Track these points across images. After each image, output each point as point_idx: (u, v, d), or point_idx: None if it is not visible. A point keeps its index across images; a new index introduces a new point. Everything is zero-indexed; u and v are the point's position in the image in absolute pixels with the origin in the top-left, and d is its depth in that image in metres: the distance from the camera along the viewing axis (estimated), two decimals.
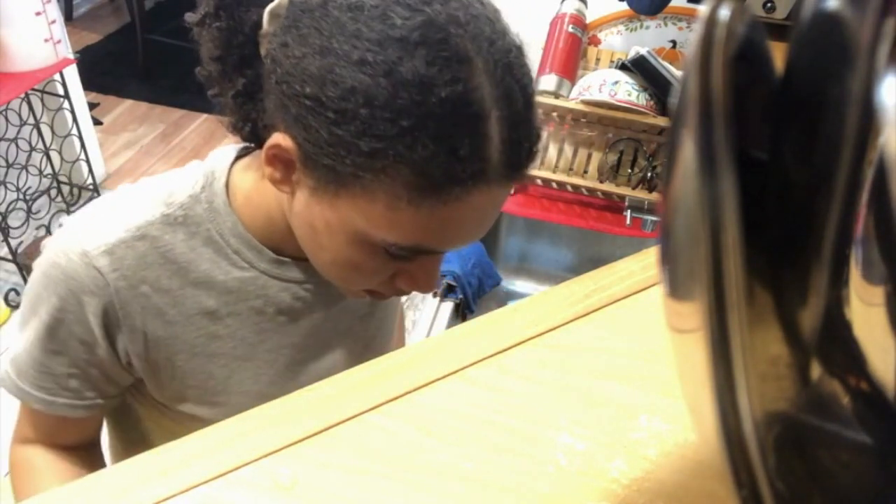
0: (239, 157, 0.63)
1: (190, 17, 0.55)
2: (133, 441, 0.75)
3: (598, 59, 1.52)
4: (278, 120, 0.51)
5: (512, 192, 1.43)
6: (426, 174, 0.46)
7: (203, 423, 0.65)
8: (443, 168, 0.46)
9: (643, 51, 1.25)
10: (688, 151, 0.22)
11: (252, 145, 0.61)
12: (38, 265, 0.60)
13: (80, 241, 0.57)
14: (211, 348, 0.63)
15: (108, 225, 0.59)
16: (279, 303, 0.64)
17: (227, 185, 0.61)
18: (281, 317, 0.65)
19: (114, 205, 0.61)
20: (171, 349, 0.62)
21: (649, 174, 1.33)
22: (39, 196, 2.27)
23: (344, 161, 0.47)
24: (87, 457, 0.72)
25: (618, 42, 1.59)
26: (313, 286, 0.65)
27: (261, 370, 0.66)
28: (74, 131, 2.23)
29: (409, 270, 0.56)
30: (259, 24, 0.52)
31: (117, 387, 0.66)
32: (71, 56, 2.04)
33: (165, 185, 0.62)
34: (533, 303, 0.57)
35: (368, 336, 0.75)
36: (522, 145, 0.49)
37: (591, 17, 1.48)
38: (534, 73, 1.39)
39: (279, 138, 0.51)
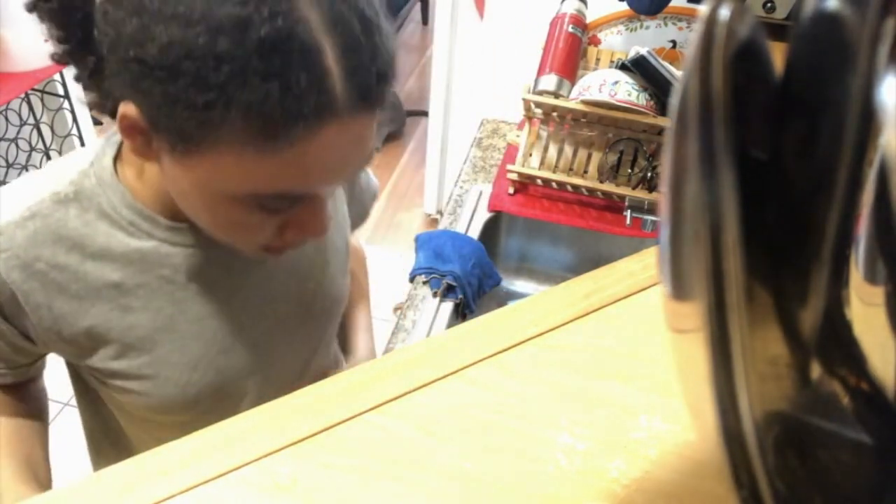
0: None
1: (24, 3, 0.55)
2: (103, 425, 0.76)
3: (598, 59, 1.52)
4: (122, 89, 0.49)
5: (512, 192, 1.43)
6: (264, 117, 0.45)
7: (141, 397, 0.65)
8: (280, 108, 0.45)
9: (643, 51, 1.25)
10: (688, 151, 0.22)
11: (102, 108, 0.60)
12: None
13: None
14: (127, 321, 0.63)
15: (3, 208, 0.59)
16: (188, 270, 0.63)
17: (116, 160, 0.61)
18: (194, 285, 0.64)
19: (13, 187, 0.62)
20: (84, 323, 0.62)
21: (649, 174, 1.33)
22: None
23: (184, 118, 0.46)
24: (23, 392, 0.73)
25: (618, 42, 1.59)
26: (221, 251, 0.63)
27: (186, 342, 0.65)
28: (74, 131, 2.23)
29: (294, 220, 0.55)
30: None
31: (28, 357, 0.66)
32: None
33: (60, 164, 0.62)
34: (533, 303, 0.57)
35: (307, 300, 0.73)
36: (369, 70, 0.47)
37: (591, 17, 1.48)
38: (534, 74, 1.39)
39: (124, 108, 0.49)
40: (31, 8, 0.54)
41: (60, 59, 0.57)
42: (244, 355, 0.69)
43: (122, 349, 0.63)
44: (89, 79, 0.56)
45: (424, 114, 2.99)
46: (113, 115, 0.56)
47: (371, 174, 0.87)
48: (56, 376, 0.81)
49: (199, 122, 0.46)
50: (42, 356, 0.69)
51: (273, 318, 0.70)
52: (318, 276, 0.74)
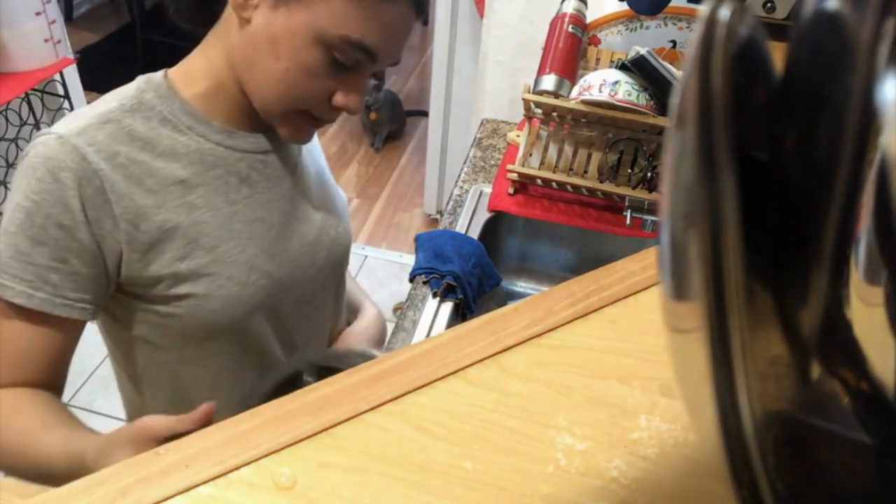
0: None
1: None
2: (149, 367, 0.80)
3: (598, 59, 1.52)
4: None
5: (512, 192, 1.44)
6: None
7: (202, 301, 0.71)
8: None
9: (643, 51, 1.25)
10: (688, 151, 0.22)
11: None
12: (17, 170, 0.66)
13: (55, 130, 0.65)
14: (192, 217, 0.70)
15: (75, 119, 0.67)
16: (238, 172, 0.73)
17: (165, 79, 0.71)
18: (244, 188, 0.73)
19: (78, 110, 0.69)
20: (159, 217, 0.68)
21: (649, 174, 1.33)
22: None
23: None
24: (49, 398, 0.70)
25: (618, 42, 1.59)
26: (264, 157, 0.74)
27: (242, 241, 0.73)
28: None
29: (344, 86, 0.68)
30: None
31: (97, 287, 0.68)
32: (71, 56, 2.04)
33: (116, 91, 0.71)
34: (533, 303, 0.57)
35: (325, 226, 0.83)
36: None
37: (591, 17, 1.48)
38: (533, 74, 1.39)
39: None
40: None
41: None
42: (286, 265, 0.78)
43: (189, 247, 0.70)
44: None
45: (424, 114, 2.99)
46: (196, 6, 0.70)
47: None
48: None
49: None
50: (101, 300, 0.70)
51: (301, 235, 0.80)
52: (330, 207, 0.85)
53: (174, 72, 0.72)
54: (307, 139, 0.75)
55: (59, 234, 0.64)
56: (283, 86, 0.67)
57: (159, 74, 0.71)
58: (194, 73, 0.71)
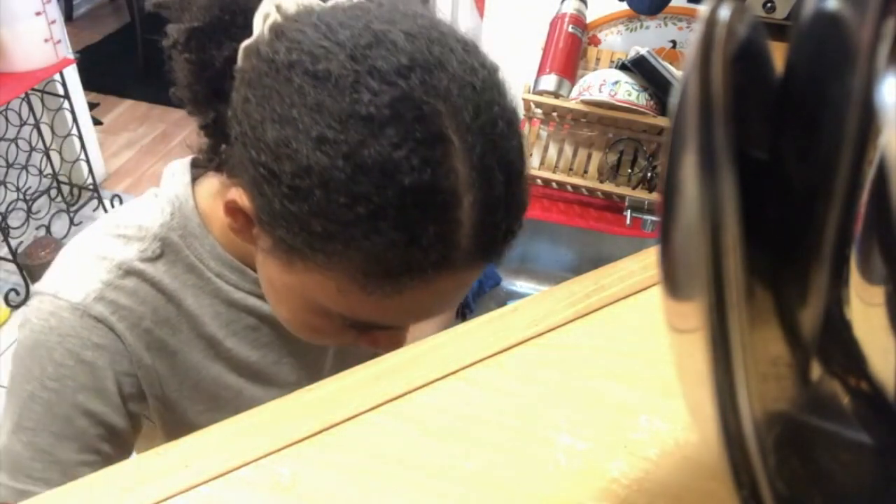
0: (196, 175, 0.61)
1: (164, 41, 0.53)
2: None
3: (598, 59, 1.52)
4: (240, 173, 0.47)
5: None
6: (382, 262, 0.43)
7: None
8: (401, 258, 0.43)
9: (643, 51, 1.25)
10: (688, 151, 0.22)
11: (206, 161, 0.57)
12: (18, 348, 0.55)
13: (65, 297, 0.53)
14: (214, 371, 0.62)
15: (85, 274, 0.55)
16: (273, 320, 0.61)
17: (196, 208, 0.59)
18: (275, 332, 0.64)
19: (79, 256, 0.57)
20: (177, 379, 0.60)
21: (649, 174, 1.33)
22: (39, 196, 2.27)
23: (296, 236, 0.44)
24: None
25: (618, 42, 1.59)
26: None
27: (269, 383, 0.65)
28: (74, 131, 2.23)
29: (372, 334, 0.54)
30: (234, 58, 0.48)
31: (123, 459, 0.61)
32: (71, 56, 2.04)
33: (131, 221, 0.58)
34: (533, 303, 0.57)
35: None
36: (499, 228, 0.45)
37: (591, 17, 1.48)
38: (533, 74, 1.39)
39: (237, 195, 0.48)
40: (170, 48, 0.52)
41: (181, 104, 0.54)
42: (314, 381, 0.70)
43: (210, 401, 0.62)
44: (202, 130, 0.54)
45: None
46: (216, 169, 0.54)
47: None
48: None
49: (311, 247, 0.44)
50: None
51: (337, 351, 0.71)
52: None
53: (206, 198, 0.59)
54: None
55: (87, 424, 0.55)
56: (291, 327, 0.56)
57: (189, 201, 0.58)
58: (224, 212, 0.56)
